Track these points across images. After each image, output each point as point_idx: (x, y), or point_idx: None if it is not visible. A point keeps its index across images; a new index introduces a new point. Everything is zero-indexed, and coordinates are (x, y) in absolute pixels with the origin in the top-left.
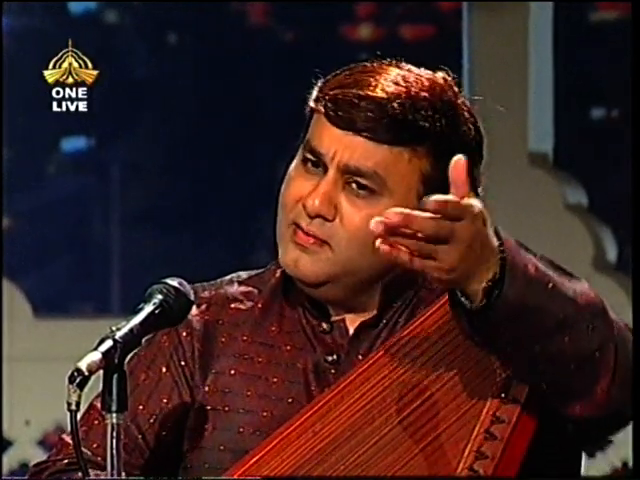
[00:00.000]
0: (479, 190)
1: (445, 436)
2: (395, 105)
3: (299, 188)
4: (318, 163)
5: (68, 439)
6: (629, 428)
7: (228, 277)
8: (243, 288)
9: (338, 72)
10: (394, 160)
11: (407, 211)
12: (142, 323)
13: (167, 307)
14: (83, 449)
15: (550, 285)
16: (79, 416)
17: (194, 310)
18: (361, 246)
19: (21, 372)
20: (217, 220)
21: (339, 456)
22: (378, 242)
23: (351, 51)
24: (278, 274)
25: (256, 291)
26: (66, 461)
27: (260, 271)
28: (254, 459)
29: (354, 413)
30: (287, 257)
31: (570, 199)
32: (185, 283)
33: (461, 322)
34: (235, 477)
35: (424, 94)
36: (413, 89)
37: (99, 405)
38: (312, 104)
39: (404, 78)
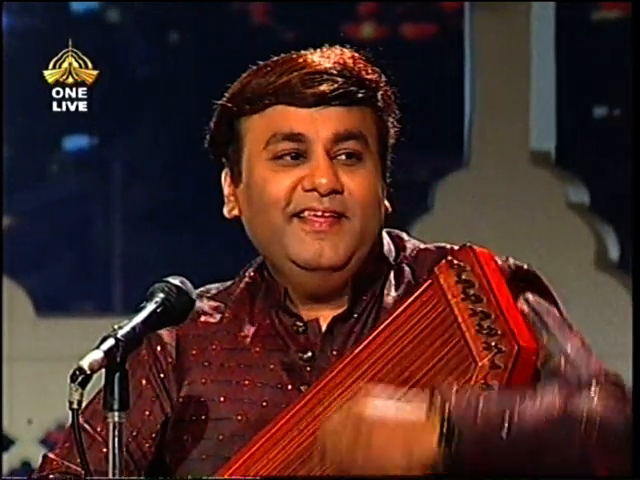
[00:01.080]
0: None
1: None
2: (349, 66)
3: (283, 182)
4: (297, 153)
5: (52, 455)
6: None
7: (197, 291)
8: (212, 303)
9: (251, 72)
10: (365, 119)
11: None
12: (144, 322)
13: (169, 305)
14: (68, 464)
15: (504, 432)
16: (63, 433)
17: None
18: (367, 210)
19: (23, 371)
20: (218, 219)
21: None
22: None
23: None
24: (243, 284)
25: (223, 305)
26: (51, 476)
27: (228, 284)
28: (240, 461)
29: (338, 409)
30: (307, 252)
31: (572, 198)
32: (187, 282)
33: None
34: (226, 477)
35: (353, 55)
36: (342, 55)
37: (82, 419)
38: (247, 105)
39: (327, 52)
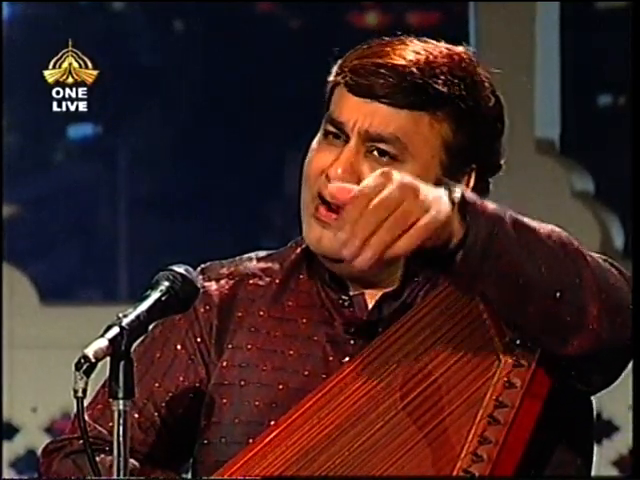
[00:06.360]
0: (501, 162)
1: (449, 421)
2: (414, 70)
3: (321, 160)
4: (339, 135)
5: (84, 415)
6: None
7: (247, 255)
8: (262, 264)
9: (358, 46)
10: (415, 124)
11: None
12: (149, 310)
13: (173, 294)
14: (99, 428)
15: (516, 223)
16: (94, 393)
17: (213, 285)
18: None
19: (27, 359)
20: (224, 207)
21: (344, 442)
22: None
23: (358, 38)
24: (298, 251)
25: (276, 267)
26: (81, 441)
27: (280, 250)
28: (260, 446)
29: (358, 399)
30: (310, 234)
31: (577, 186)
32: (191, 270)
33: (446, 276)
34: (240, 464)
35: (443, 60)
36: (431, 56)
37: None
38: (332, 78)
39: (423, 47)
